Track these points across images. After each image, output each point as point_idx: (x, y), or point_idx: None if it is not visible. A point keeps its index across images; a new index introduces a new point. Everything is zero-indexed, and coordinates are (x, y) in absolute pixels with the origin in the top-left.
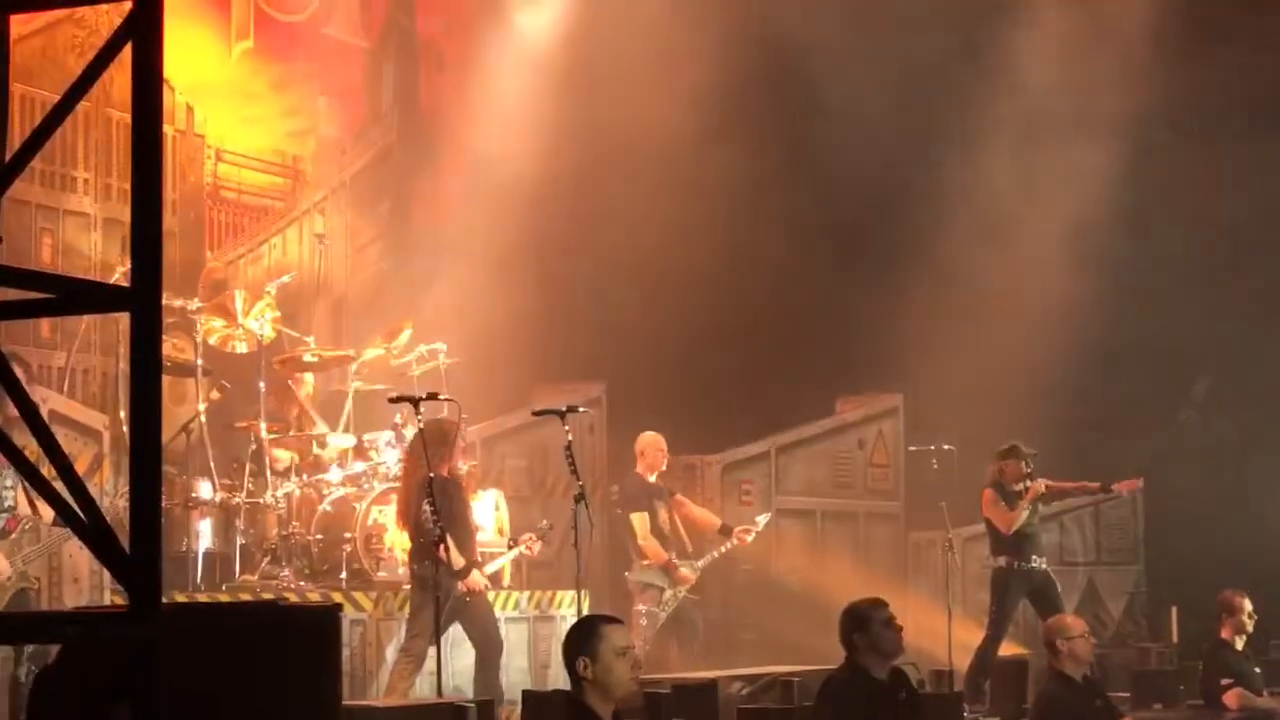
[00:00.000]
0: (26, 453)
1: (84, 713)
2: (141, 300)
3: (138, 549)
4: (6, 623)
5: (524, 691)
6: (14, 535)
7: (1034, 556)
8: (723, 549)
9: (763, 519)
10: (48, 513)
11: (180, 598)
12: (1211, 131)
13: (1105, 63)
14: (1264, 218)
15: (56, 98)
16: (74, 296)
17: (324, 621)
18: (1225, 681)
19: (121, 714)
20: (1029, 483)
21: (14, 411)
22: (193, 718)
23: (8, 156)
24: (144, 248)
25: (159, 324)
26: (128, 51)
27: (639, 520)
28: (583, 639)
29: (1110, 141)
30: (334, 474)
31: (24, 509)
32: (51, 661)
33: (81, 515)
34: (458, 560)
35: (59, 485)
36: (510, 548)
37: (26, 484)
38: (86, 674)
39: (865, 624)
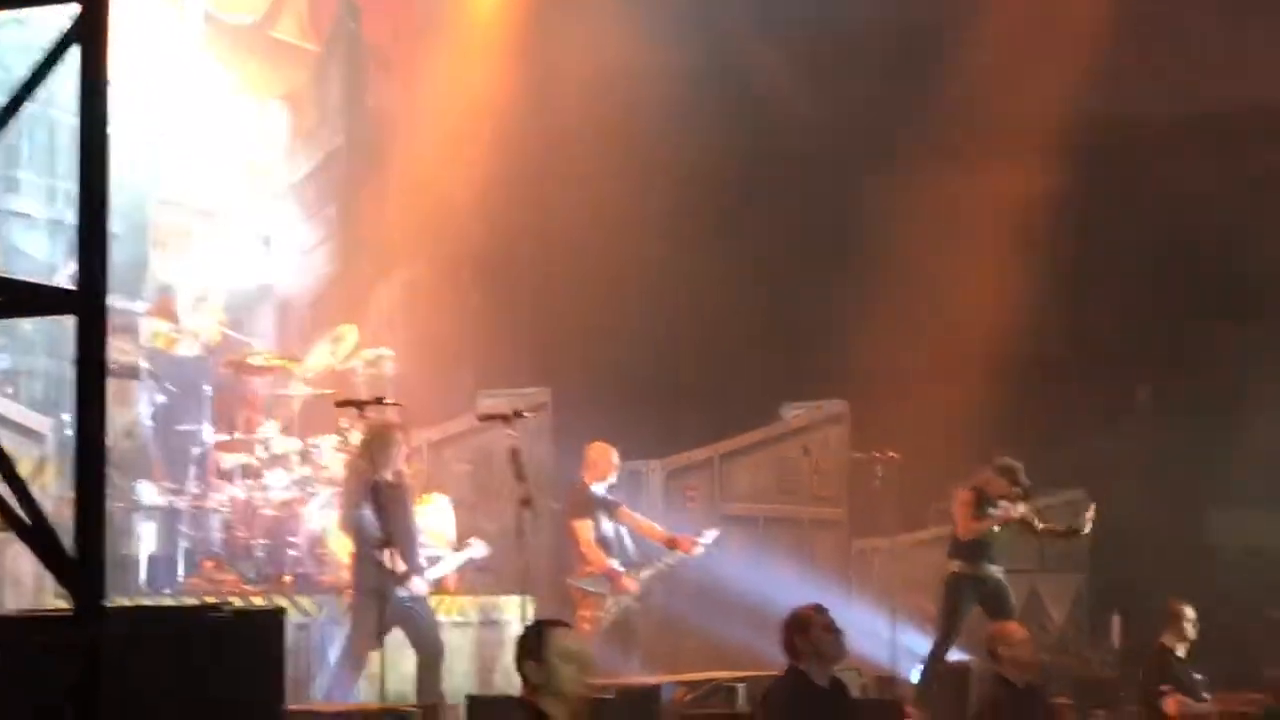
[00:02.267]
0: None
1: (26, 717)
2: (87, 304)
3: (81, 552)
4: None
5: (468, 696)
6: None
7: (987, 564)
8: (669, 560)
9: (710, 535)
10: None
11: (123, 601)
12: (1159, 139)
13: (1053, 69)
14: (1212, 225)
15: (3, 100)
16: (19, 299)
17: (268, 625)
18: (1165, 688)
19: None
20: (1008, 504)
21: None
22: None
23: None
24: (89, 251)
25: (104, 327)
26: (73, 53)
27: (582, 527)
28: (530, 643)
29: (1057, 149)
30: (278, 478)
31: None
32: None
33: (25, 518)
34: (399, 565)
35: (2, 488)
36: (456, 551)
37: None
38: (27, 677)
39: (806, 628)
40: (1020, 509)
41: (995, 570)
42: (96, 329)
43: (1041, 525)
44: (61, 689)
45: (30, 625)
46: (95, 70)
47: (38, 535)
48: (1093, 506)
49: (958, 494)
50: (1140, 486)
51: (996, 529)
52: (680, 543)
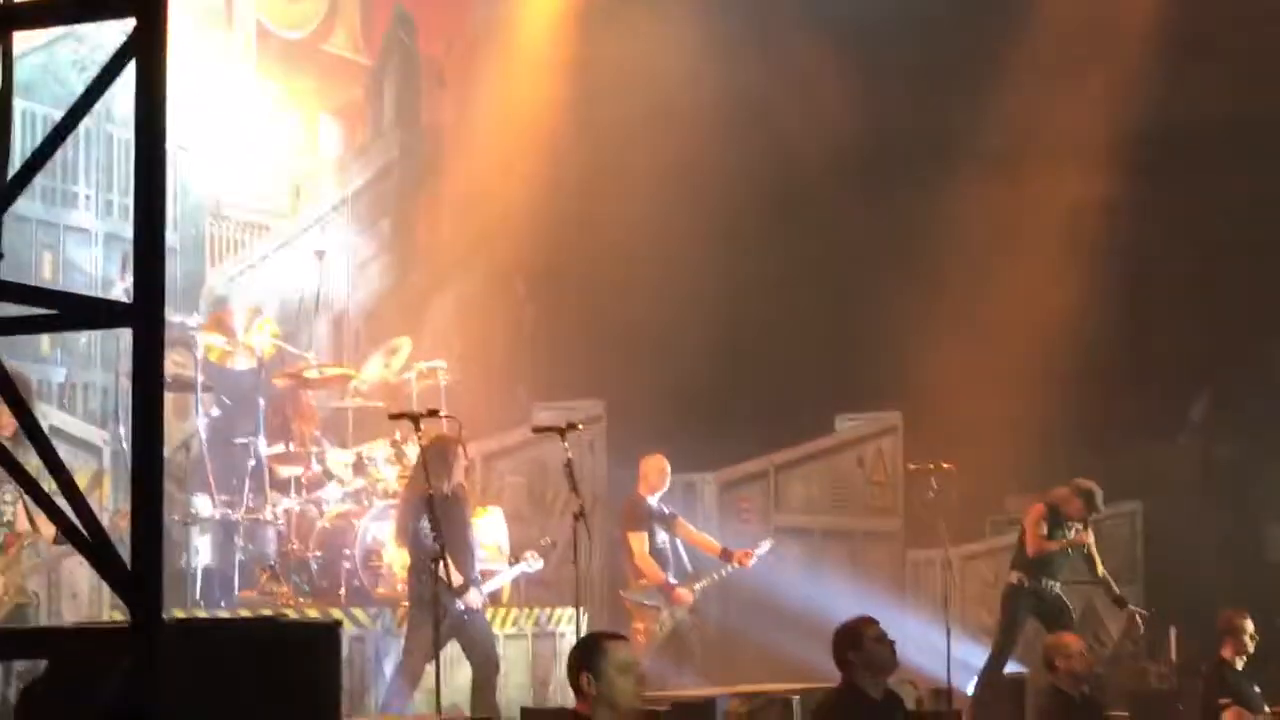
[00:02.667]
0: (26, 468)
1: None
2: (143, 317)
3: (139, 565)
4: (4, 638)
5: (523, 709)
6: (13, 551)
7: (1046, 579)
8: (723, 572)
9: (764, 546)
10: (48, 529)
11: (179, 614)
12: (1211, 149)
13: (1100, 80)
14: (1264, 238)
15: (58, 113)
16: (76, 312)
17: (324, 638)
18: (1224, 701)
19: None
20: (1081, 528)
21: (13, 428)
22: None
23: (10, 173)
24: (146, 264)
25: (161, 340)
26: (130, 68)
27: (636, 540)
28: (586, 655)
29: (1112, 159)
30: (333, 490)
31: (23, 525)
32: (39, 677)
33: (83, 531)
34: (456, 578)
35: (60, 501)
36: (511, 565)
37: (26, 500)
38: (77, 690)
39: (858, 641)
40: (1090, 537)
41: (1055, 585)
42: (153, 342)
43: (1102, 572)
44: (118, 703)
45: (87, 638)
46: (152, 84)
47: (96, 548)
48: (1143, 618)
49: (1030, 508)
50: (1197, 498)
51: (1070, 552)
52: (734, 555)
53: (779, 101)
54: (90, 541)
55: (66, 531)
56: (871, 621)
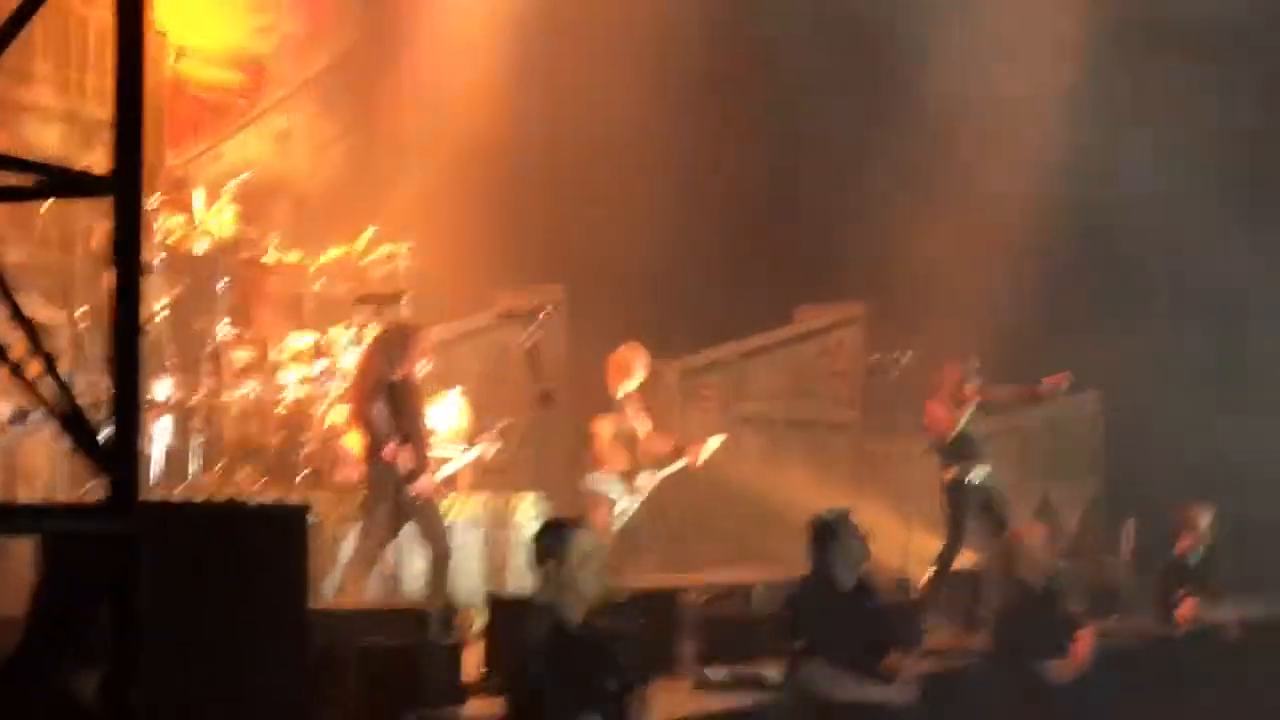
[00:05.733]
0: None
1: (68, 608)
2: (123, 185)
3: (118, 442)
4: None
5: (489, 594)
6: None
7: (973, 467)
8: (676, 464)
9: (715, 441)
10: (2, 410)
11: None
12: (1189, 44)
13: None
14: (1238, 125)
15: None
16: (58, 181)
17: (293, 521)
18: (1180, 594)
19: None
20: (970, 388)
21: None
22: (168, 614)
23: None
24: (125, 133)
25: (140, 209)
26: None
27: (602, 425)
28: (552, 542)
29: (1082, 53)
30: (292, 374)
31: None
32: (47, 564)
33: (60, 406)
34: (411, 462)
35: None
36: (466, 449)
37: None
38: (68, 569)
39: (835, 533)
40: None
41: (979, 474)
42: (133, 211)
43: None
44: (99, 580)
45: (65, 514)
46: None
47: (74, 423)
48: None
49: (930, 410)
50: (1157, 388)
51: (969, 423)
52: (686, 450)
53: None
54: (68, 416)
55: (48, 409)
56: (848, 514)
